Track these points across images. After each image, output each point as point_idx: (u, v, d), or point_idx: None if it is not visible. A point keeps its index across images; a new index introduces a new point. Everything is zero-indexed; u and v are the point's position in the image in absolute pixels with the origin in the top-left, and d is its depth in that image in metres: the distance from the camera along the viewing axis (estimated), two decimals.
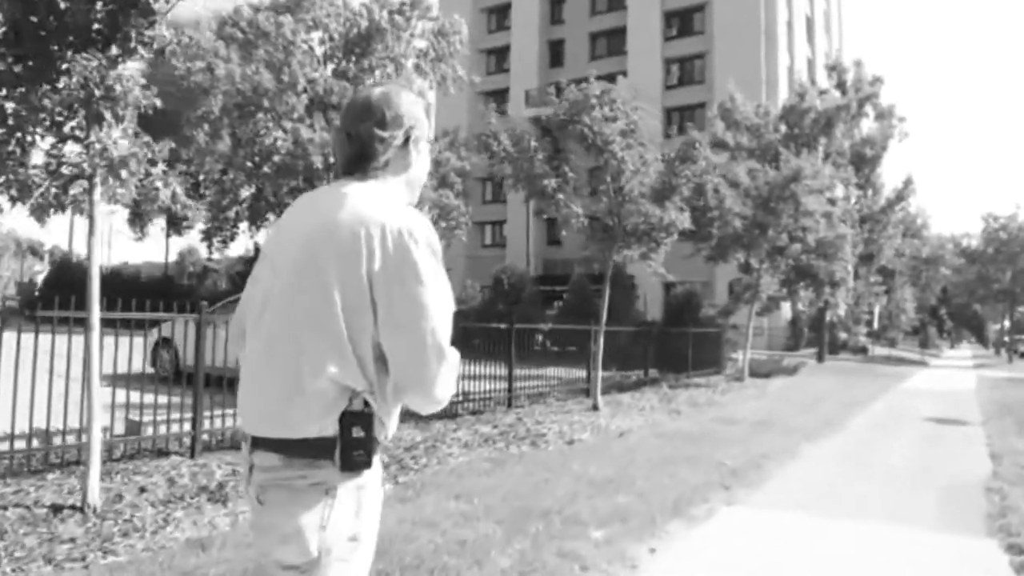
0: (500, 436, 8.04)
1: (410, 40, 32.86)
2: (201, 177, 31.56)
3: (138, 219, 32.89)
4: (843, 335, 41.31)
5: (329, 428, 1.45)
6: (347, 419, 1.46)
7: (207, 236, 35.56)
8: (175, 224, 35.30)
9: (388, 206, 1.51)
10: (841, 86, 29.00)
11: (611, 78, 11.79)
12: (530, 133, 10.53)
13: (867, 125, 30.62)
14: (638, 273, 39.89)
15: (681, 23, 42.33)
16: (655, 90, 40.66)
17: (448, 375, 1.51)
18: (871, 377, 22.09)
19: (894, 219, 30.21)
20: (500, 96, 43.77)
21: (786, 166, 16.26)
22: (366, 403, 1.48)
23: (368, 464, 1.49)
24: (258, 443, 1.51)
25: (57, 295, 5.65)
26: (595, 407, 10.50)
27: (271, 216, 34.32)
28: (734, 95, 24.93)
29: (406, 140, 1.63)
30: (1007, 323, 58.22)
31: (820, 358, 28.81)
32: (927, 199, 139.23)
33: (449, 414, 9.13)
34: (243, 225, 35.16)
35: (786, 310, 37.54)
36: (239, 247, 39.22)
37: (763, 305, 19.43)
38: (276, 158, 28.08)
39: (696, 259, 18.66)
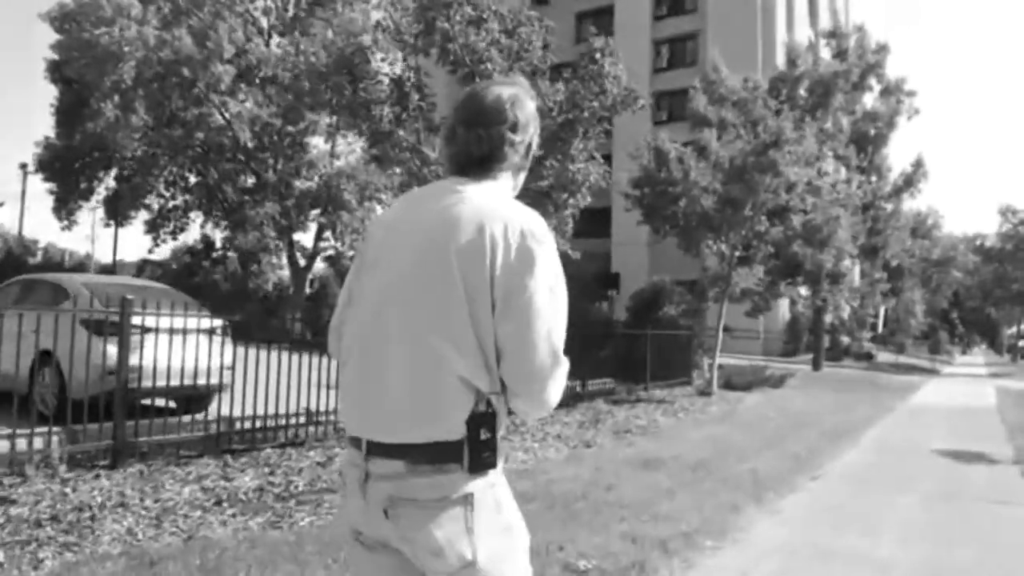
0: (245, 496, 4.99)
1: (365, 10, 29.91)
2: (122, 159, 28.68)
3: (63, 205, 29.85)
4: (846, 339, 38.22)
5: (456, 431, 1.40)
6: (474, 421, 1.41)
7: (152, 227, 32.60)
8: (115, 214, 32.33)
9: (509, 204, 1.50)
10: (841, 54, 25.47)
11: None
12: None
13: (871, 101, 27.22)
14: (622, 269, 37.14)
15: (672, 1, 39.31)
16: (644, 73, 37.65)
17: (560, 380, 1.46)
18: (873, 390, 18.85)
19: (903, 208, 26.75)
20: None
21: (765, 130, 13.15)
22: (489, 403, 1.43)
23: (494, 464, 1.44)
24: (376, 449, 1.44)
25: None
26: None
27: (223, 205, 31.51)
28: (718, 66, 21.73)
29: (529, 144, 1.62)
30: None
31: (816, 365, 25.48)
32: (939, 197, 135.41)
33: (230, 449, 6.18)
34: (194, 214, 32.45)
35: (784, 311, 34.41)
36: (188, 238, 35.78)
37: (753, 305, 16.34)
38: (200, 134, 25.28)
39: (683, 253, 15.51)
